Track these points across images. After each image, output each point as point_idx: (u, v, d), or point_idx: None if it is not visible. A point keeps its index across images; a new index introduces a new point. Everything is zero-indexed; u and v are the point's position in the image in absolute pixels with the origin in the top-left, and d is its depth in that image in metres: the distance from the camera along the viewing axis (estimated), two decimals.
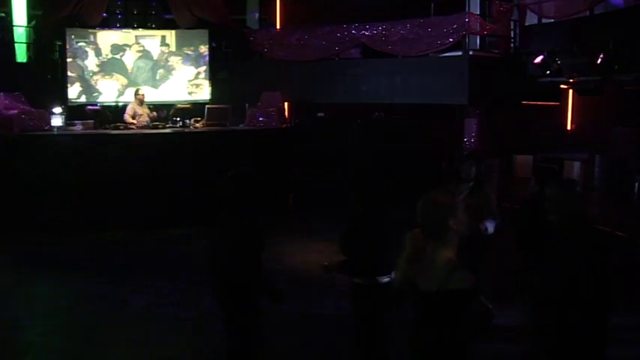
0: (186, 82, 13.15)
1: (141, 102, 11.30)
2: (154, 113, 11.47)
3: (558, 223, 3.31)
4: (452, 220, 2.97)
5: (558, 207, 3.31)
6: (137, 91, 11.43)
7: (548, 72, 10.61)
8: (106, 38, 12.72)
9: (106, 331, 5.83)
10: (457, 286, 2.82)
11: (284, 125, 11.83)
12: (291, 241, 9.04)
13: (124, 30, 13.05)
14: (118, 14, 13.40)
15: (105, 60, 12.66)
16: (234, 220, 3.96)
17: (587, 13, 10.82)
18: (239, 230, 3.92)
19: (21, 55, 12.19)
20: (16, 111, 9.91)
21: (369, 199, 4.29)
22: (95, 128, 10.61)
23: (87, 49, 12.52)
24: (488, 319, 2.88)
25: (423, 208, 3.00)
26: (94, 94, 12.54)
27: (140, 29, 13.12)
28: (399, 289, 3.12)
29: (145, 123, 11.00)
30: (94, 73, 12.57)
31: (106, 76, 12.64)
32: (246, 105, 12.13)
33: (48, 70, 12.32)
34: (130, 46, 12.79)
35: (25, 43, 12.21)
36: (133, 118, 11.12)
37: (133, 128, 10.72)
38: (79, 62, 12.45)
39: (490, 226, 5.27)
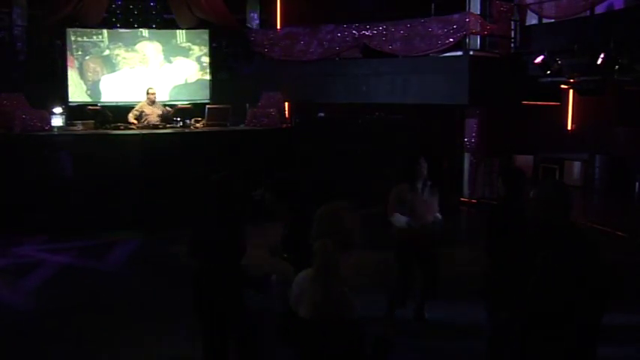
0: (187, 82, 13.15)
1: (152, 101, 11.20)
2: (168, 109, 11.32)
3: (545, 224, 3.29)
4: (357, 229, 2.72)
5: (540, 210, 3.27)
6: (148, 90, 11.30)
7: (548, 72, 10.61)
8: (107, 38, 12.72)
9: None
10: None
11: (284, 125, 11.84)
12: None
13: (124, 30, 13.05)
14: (119, 14, 13.39)
15: (105, 60, 12.66)
16: (217, 222, 4.02)
17: (588, 13, 10.82)
18: (222, 233, 3.98)
19: (21, 55, 12.21)
20: (16, 111, 9.92)
21: (292, 205, 4.26)
22: (95, 128, 10.60)
23: (87, 49, 12.52)
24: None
25: (332, 218, 2.71)
26: (95, 94, 12.53)
27: (140, 29, 13.11)
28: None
29: (152, 123, 10.89)
30: (95, 73, 12.56)
31: (107, 76, 12.65)
32: (247, 105, 12.13)
33: (48, 70, 12.32)
34: (130, 46, 12.79)
35: (25, 43, 12.22)
36: (140, 117, 11.03)
37: (133, 128, 10.70)
38: (80, 62, 12.46)
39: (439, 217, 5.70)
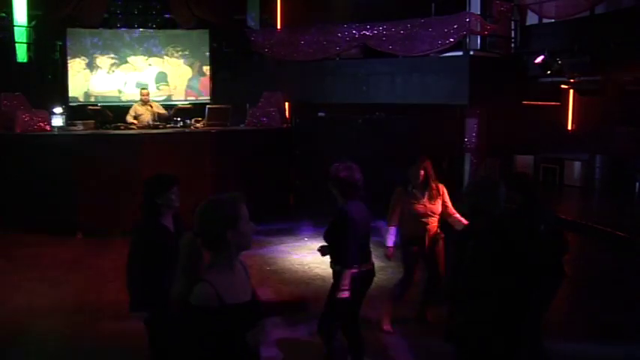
0: (187, 82, 13.16)
1: (144, 102, 11.22)
2: (162, 112, 11.22)
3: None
4: (230, 232, 2.59)
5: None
6: (141, 90, 11.38)
7: (548, 72, 10.63)
8: (107, 38, 12.72)
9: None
10: (196, 302, 2.54)
11: (284, 125, 11.83)
12: (290, 242, 9.05)
13: (124, 30, 13.05)
14: (119, 14, 13.42)
15: (105, 60, 12.67)
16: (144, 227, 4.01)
17: (588, 13, 10.83)
18: (143, 239, 3.94)
19: (21, 55, 12.22)
20: (17, 111, 9.92)
21: (349, 193, 4.41)
22: (95, 128, 10.60)
23: (87, 48, 12.52)
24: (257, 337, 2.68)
25: (201, 215, 2.62)
26: (95, 94, 12.53)
27: (141, 29, 13.12)
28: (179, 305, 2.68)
29: (146, 123, 10.92)
30: (95, 73, 12.57)
31: (107, 76, 12.65)
32: (247, 105, 12.13)
33: (48, 70, 12.32)
34: (130, 47, 12.79)
35: (26, 43, 12.23)
36: (135, 118, 11.06)
37: (133, 128, 10.70)
38: (80, 62, 12.45)
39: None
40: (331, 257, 4.50)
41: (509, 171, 11.41)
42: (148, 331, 3.94)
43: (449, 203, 5.71)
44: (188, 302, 2.53)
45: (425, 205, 5.62)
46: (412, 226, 5.63)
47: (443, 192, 5.71)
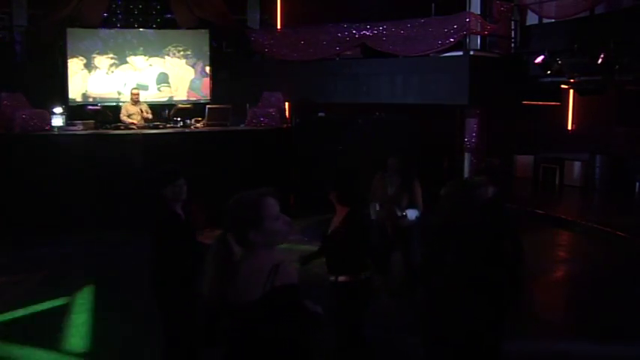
0: (187, 82, 13.15)
1: (135, 101, 11.23)
2: (149, 115, 11.23)
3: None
4: (253, 232, 2.56)
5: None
6: (132, 90, 11.38)
7: (548, 72, 10.63)
8: (107, 38, 12.71)
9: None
10: (283, 281, 2.57)
11: (284, 125, 11.83)
12: (291, 241, 9.03)
13: (124, 30, 13.04)
14: (119, 14, 13.39)
15: (104, 60, 12.66)
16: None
17: (588, 13, 10.84)
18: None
19: (21, 55, 12.21)
20: (16, 111, 9.92)
21: (350, 199, 4.25)
22: (95, 128, 10.60)
23: (86, 49, 12.51)
24: (316, 319, 2.67)
25: (229, 213, 2.61)
26: (93, 95, 12.52)
27: (141, 29, 13.11)
28: (212, 309, 2.66)
29: (139, 122, 10.91)
30: (95, 73, 12.56)
31: (107, 76, 12.64)
32: (247, 105, 12.14)
33: (48, 70, 12.31)
34: (130, 47, 12.78)
35: (25, 43, 12.22)
36: (128, 117, 11.08)
37: (133, 128, 10.70)
38: (78, 62, 12.44)
39: (412, 214, 5.97)
40: (335, 267, 4.31)
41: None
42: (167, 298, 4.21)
43: (416, 198, 5.98)
44: (279, 286, 2.55)
45: (390, 195, 6.04)
46: (380, 209, 6.12)
47: (414, 191, 6.01)
